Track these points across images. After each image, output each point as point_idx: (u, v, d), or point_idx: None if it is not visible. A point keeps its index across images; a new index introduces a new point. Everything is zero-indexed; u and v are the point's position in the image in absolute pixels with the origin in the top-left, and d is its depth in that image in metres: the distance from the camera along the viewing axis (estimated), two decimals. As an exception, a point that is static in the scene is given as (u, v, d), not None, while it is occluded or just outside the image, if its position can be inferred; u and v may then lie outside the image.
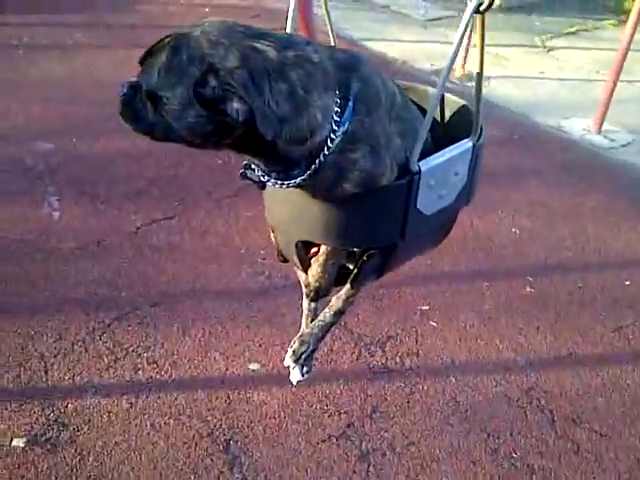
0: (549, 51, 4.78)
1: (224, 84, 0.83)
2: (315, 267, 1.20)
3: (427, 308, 2.23)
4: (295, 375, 1.30)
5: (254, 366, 1.95)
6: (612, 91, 3.41)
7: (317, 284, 1.22)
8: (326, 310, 1.30)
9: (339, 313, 1.30)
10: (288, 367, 1.30)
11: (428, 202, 1.12)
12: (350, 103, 0.94)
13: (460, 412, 1.86)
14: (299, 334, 1.33)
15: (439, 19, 5.16)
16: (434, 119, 1.11)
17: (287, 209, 1.14)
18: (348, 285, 1.25)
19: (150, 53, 0.89)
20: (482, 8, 1.00)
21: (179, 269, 2.30)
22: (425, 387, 1.93)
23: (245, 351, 1.99)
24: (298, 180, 0.98)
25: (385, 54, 4.35)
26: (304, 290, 1.35)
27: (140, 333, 2.02)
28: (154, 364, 1.92)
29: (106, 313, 2.08)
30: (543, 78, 4.20)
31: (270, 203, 1.20)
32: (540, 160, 3.23)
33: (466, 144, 1.16)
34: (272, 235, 1.30)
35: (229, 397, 1.84)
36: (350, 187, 1.01)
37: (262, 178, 1.01)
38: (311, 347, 1.31)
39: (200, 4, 4.87)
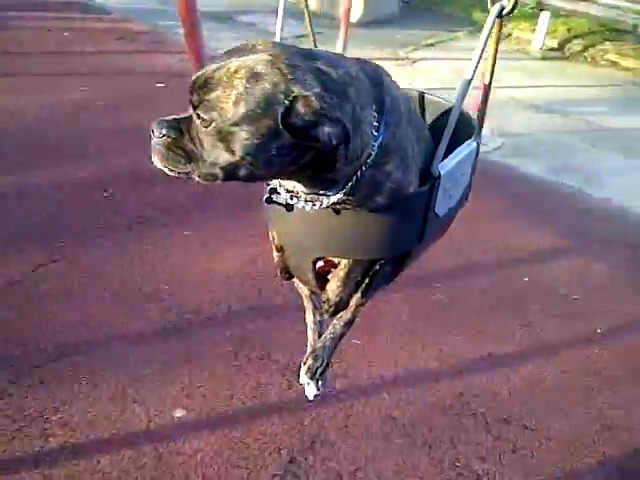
0: (413, 63, 4.98)
1: (316, 110, 0.78)
2: (335, 282, 1.17)
3: (355, 341, 2.19)
4: (311, 390, 1.30)
5: (179, 413, 1.80)
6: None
7: (338, 299, 1.19)
8: (335, 322, 1.29)
9: (349, 323, 1.29)
10: (304, 384, 1.30)
11: (442, 204, 1.12)
12: (384, 116, 0.92)
13: (399, 428, 1.83)
14: (310, 350, 1.33)
15: (304, 36, 5.19)
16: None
17: (303, 227, 1.09)
18: (358, 294, 1.22)
19: (205, 85, 0.80)
20: (505, 12, 1.02)
21: (76, 316, 2.08)
22: (360, 408, 1.89)
23: (166, 397, 1.84)
24: (333, 199, 0.95)
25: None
26: (314, 306, 1.39)
27: (44, 394, 1.80)
28: (66, 427, 1.71)
29: (0, 375, 1.84)
30: (411, 89, 4.34)
31: (280, 221, 1.13)
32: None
33: (472, 144, 1.19)
34: (276, 254, 1.26)
35: (158, 451, 1.68)
36: (382, 200, 0.99)
37: (290, 201, 0.99)
38: (325, 361, 1.31)
39: (61, 28, 4.56)
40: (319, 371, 1.30)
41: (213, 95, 0.80)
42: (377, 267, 1.17)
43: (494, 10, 1.01)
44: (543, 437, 1.87)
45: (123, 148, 2.98)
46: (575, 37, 5.62)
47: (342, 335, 1.31)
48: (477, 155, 1.22)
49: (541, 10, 5.32)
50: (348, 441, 1.77)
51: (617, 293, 2.55)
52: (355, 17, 5.13)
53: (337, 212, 1.02)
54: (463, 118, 1.19)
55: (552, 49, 5.59)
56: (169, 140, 0.85)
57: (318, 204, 0.98)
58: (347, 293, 1.19)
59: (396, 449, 1.77)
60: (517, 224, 2.92)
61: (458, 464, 1.75)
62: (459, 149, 1.15)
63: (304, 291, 1.41)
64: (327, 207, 0.99)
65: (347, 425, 1.82)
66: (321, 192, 0.97)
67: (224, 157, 0.82)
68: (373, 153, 0.92)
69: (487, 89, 1.16)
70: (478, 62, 1.00)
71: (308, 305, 1.47)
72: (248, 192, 2.87)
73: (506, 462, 1.78)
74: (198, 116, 0.82)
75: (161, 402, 1.82)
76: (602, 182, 3.45)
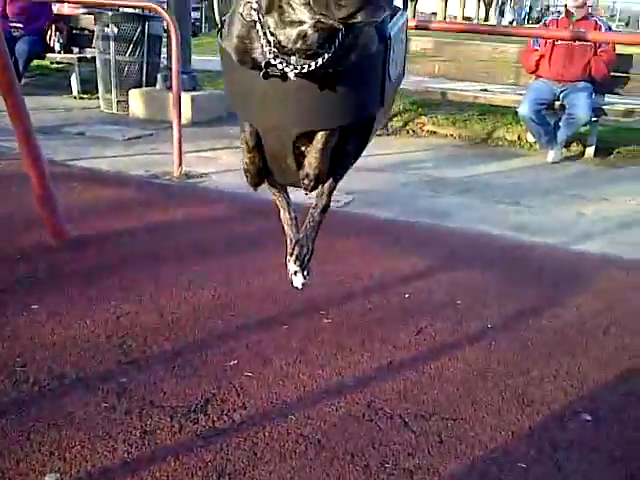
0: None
1: None
2: (313, 156, 1.24)
3: (234, 363, 1.98)
4: (299, 279, 1.42)
5: (51, 477, 1.46)
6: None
7: (317, 171, 1.25)
8: (312, 210, 1.39)
9: (325, 208, 1.38)
10: (292, 274, 1.42)
11: (392, 68, 1.25)
12: None
13: (314, 444, 1.63)
14: (294, 241, 1.45)
15: (138, 137, 5.16)
16: None
17: (285, 103, 1.17)
18: (330, 179, 1.32)
19: None
20: None
21: None
22: (266, 434, 1.66)
23: (33, 465, 1.49)
24: (326, 56, 1.06)
25: (93, 168, 4.13)
26: (288, 202, 1.54)
27: None
28: None
29: None
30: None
31: (262, 104, 1.20)
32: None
33: (404, 14, 1.36)
34: (248, 156, 1.31)
35: (27, 525, 1.33)
36: (355, 56, 1.11)
37: (285, 69, 1.08)
38: (310, 247, 1.42)
39: None
40: (306, 258, 1.42)
41: None
42: (346, 141, 1.26)
43: None
44: (467, 424, 1.75)
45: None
46: (394, 116, 6.10)
47: (320, 222, 1.41)
48: (406, 28, 1.39)
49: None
50: (260, 467, 1.53)
51: (491, 292, 2.60)
52: (184, 120, 5.18)
53: (315, 79, 1.11)
54: None
55: (377, 128, 6.00)
56: None
57: (306, 67, 1.08)
58: (324, 165, 1.26)
59: (317, 465, 1.55)
60: (383, 256, 2.93)
61: (387, 465, 1.57)
62: (395, 18, 1.29)
63: (277, 190, 1.54)
64: (316, 68, 1.08)
65: (256, 452, 1.58)
66: (314, 51, 1.06)
67: None
68: None
69: None
70: None
71: (282, 203, 1.59)
72: (91, 265, 2.65)
73: (435, 453, 1.63)
74: None
75: (27, 471, 1.47)
76: (453, 216, 3.62)
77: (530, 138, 5.39)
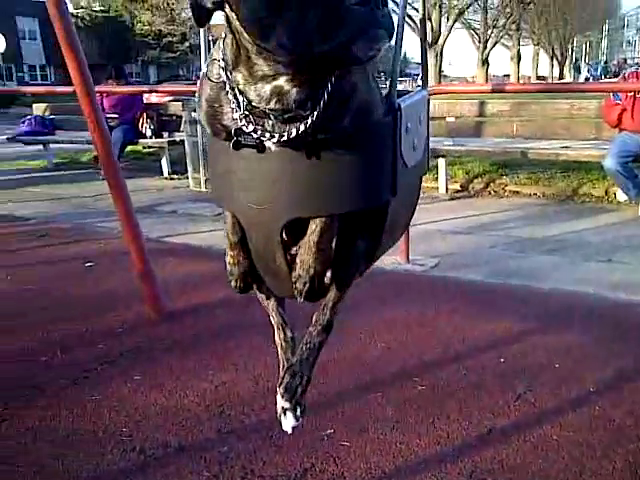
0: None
1: None
2: (306, 251, 1.00)
3: (330, 432, 1.98)
4: (289, 421, 1.10)
5: None
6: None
7: (312, 272, 1.00)
8: (311, 329, 1.11)
9: (328, 327, 1.11)
10: (281, 412, 1.10)
11: (407, 149, 1.05)
12: None
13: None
14: (285, 367, 1.14)
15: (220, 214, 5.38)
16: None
17: (269, 182, 0.95)
18: (333, 289, 1.07)
19: None
20: None
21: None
22: (368, 504, 1.64)
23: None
24: (309, 121, 0.87)
25: (185, 244, 4.33)
26: (283, 320, 1.22)
27: None
28: None
29: None
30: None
31: (242, 185, 0.98)
32: (374, 291, 3.30)
33: (422, 91, 1.19)
34: (232, 254, 1.08)
35: None
36: (348, 122, 0.91)
37: (262, 138, 0.89)
38: (305, 377, 1.13)
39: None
40: (299, 390, 1.12)
41: None
42: (352, 238, 1.05)
43: None
44: None
45: (53, 319, 2.83)
46: (475, 177, 6.09)
47: (321, 344, 1.14)
48: (428, 107, 1.22)
49: (436, 157, 5.76)
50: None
51: (590, 354, 2.49)
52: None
53: (303, 151, 0.92)
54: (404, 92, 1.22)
55: (457, 191, 6.01)
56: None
57: (286, 134, 0.89)
58: (322, 266, 1.01)
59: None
60: (475, 319, 2.88)
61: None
62: (408, 94, 1.12)
63: (269, 302, 1.24)
64: (297, 136, 0.89)
65: (359, 523, 1.56)
66: (295, 112, 0.88)
67: None
68: None
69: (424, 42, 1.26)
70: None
71: (276, 318, 1.29)
72: (188, 337, 2.73)
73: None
74: None
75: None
76: (544, 276, 3.54)
77: (619, 194, 5.23)
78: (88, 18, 40.90)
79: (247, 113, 0.90)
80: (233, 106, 0.90)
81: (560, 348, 2.56)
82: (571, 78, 36.94)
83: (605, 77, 33.34)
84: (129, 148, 7.82)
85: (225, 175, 1.00)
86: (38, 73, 40.90)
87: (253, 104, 0.89)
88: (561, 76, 53.20)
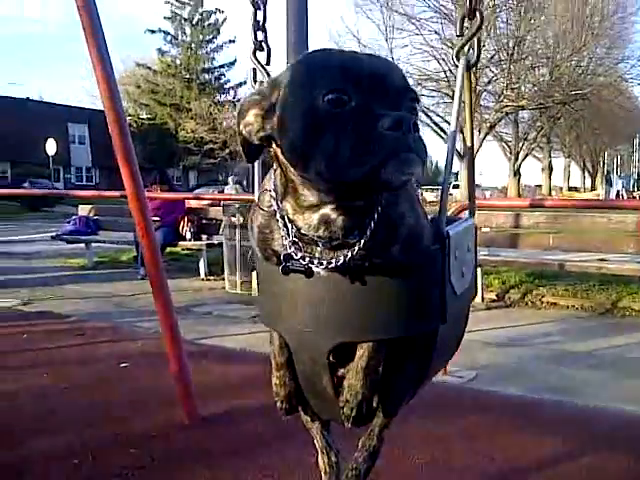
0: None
1: None
2: (354, 376, 1.00)
3: None
4: None
5: None
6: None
7: (359, 397, 1.00)
8: (357, 455, 1.12)
9: (374, 454, 1.12)
10: None
11: (456, 276, 1.07)
12: None
13: None
14: None
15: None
16: None
17: (316, 306, 0.98)
18: (380, 414, 1.08)
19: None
20: (472, 63, 1.14)
21: None
22: None
23: None
24: (356, 249, 0.90)
25: (220, 347, 4.33)
26: (328, 444, 1.20)
27: None
28: None
29: None
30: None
31: (289, 308, 1.02)
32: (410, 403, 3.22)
33: (469, 220, 1.23)
34: (278, 375, 1.11)
35: None
36: (398, 251, 0.94)
37: (310, 264, 0.93)
38: None
39: (20, 332, 4.53)
40: None
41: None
42: (400, 363, 1.05)
43: (462, 63, 1.14)
44: None
45: (86, 420, 2.82)
46: (511, 287, 6.05)
47: (367, 471, 1.13)
48: (476, 234, 1.27)
49: (474, 266, 5.77)
50: None
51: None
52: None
53: (351, 276, 0.94)
54: (451, 218, 1.26)
55: (493, 300, 5.96)
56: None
57: (334, 262, 0.92)
58: (369, 389, 1.01)
59: None
60: (514, 436, 2.77)
61: None
62: (455, 223, 1.16)
63: (314, 425, 1.24)
64: (344, 263, 0.92)
65: None
66: (342, 240, 0.91)
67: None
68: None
69: (471, 160, 1.35)
70: (458, 112, 1.13)
71: (320, 442, 1.28)
72: (220, 445, 2.66)
73: None
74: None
75: None
76: (584, 393, 3.42)
77: (660, 308, 5.13)
78: (135, 125, 43.29)
79: (296, 240, 0.94)
80: (283, 233, 0.95)
81: (606, 471, 2.44)
82: (603, 190, 37.20)
83: (638, 189, 33.51)
84: (168, 249, 8.03)
85: (274, 297, 1.04)
86: (84, 175, 42.89)
87: (302, 232, 0.93)
88: (593, 187, 53.68)
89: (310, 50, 0.95)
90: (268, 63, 1.40)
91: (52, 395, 3.23)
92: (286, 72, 0.91)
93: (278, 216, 0.96)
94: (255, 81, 1.44)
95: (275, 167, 0.97)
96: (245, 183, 12.45)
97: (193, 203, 8.83)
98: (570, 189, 55.62)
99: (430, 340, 1.06)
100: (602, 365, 4.01)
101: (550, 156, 49.70)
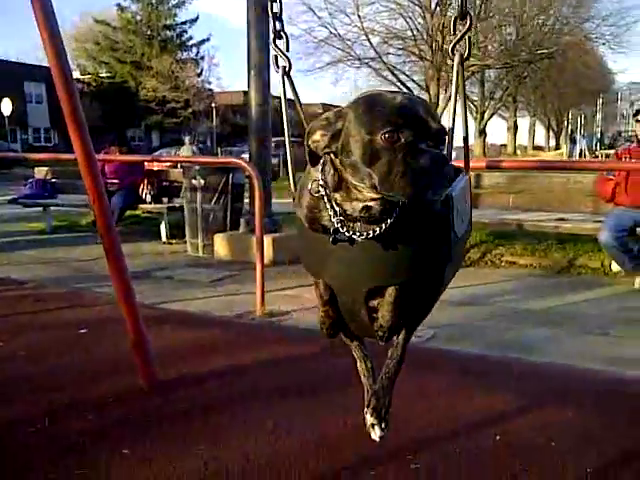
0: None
1: None
2: (385, 309, 1.34)
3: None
4: (377, 432, 1.47)
5: None
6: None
7: (390, 323, 1.34)
8: (388, 361, 1.47)
9: (401, 361, 1.48)
10: (369, 427, 1.47)
11: (458, 225, 1.37)
12: None
13: None
14: (371, 393, 1.50)
15: (223, 279, 5.40)
16: None
17: (355, 263, 1.29)
18: (403, 331, 1.42)
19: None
20: (465, 55, 1.45)
21: None
22: None
23: None
24: (386, 224, 1.23)
25: (180, 311, 4.32)
26: (364, 354, 1.65)
27: None
28: None
29: None
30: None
31: (335, 264, 1.32)
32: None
33: (465, 176, 1.53)
34: (323, 310, 1.43)
35: None
36: (415, 223, 1.26)
37: (353, 236, 1.25)
38: (388, 399, 1.48)
39: None
40: (383, 410, 1.46)
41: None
42: (418, 294, 1.35)
43: (457, 58, 1.44)
44: None
45: (43, 388, 2.79)
46: (471, 247, 6.13)
47: (396, 373, 1.49)
48: (471, 187, 1.58)
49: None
50: None
51: (587, 432, 2.44)
52: (266, 260, 5.41)
53: (380, 241, 1.25)
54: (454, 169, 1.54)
55: (454, 260, 6.03)
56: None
57: (371, 233, 1.24)
58: (397, 317, 1.35)
59: None
60: (470, 394, 2.84)
61: None
62: (457, 180, 1.45)
63: (353, 343, 1.64)
64: (380, 233, 1.23)
65: None
66: (378, 218, 1.23)
67: None
68: None
69: (466, 128, 1.66)
70: (455, 99, 1.46)
71: (358, 354, 1.68)
72: (179, 409, 2.67)
73: None
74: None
75: None
76: (540, 350, 3.52)
77: (614, 266, 5.26)
78: (94, 84, 42.06)
79: (342, 219, 1.26)
80: (331, 213, 1.28)
81: (557, 425, 2.52)
82: (567, 149, 37.72)
83: (600, 149, 34.05)
84: (128, 212, 7.90)
85: (321, 255, 1.35)
86: (42, 136, 41.70)
87: (347, 213, 1.26)
88: (557, 146, 54.39)
89: (368, 92, 1.29)
90: (287, 49, 1.65)
91: (9, 362, 3.19)
92: (350, 108, 1.23)
93: (326, 200, 1.27)
94: (277, 66, 1.65)
95: (326, 164, 1.29)
96: (209, 144, 12.33)
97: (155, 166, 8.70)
98: (535, 148, 56.26)
99: (440, 275, 1.40)
100: (558, 322, 4.12)
101: (515, 115, 50.03)
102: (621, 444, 2.37)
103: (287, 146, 1.67)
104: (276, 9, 1.65)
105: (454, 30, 1.48)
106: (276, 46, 1.65)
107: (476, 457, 2.27)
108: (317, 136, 1.27)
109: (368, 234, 1.25)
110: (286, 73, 1.61)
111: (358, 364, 1.68)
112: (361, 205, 1.24)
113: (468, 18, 1.47)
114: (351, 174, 1.21)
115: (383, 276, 1.32)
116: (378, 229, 1.24)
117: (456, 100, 1.47)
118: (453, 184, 1.41)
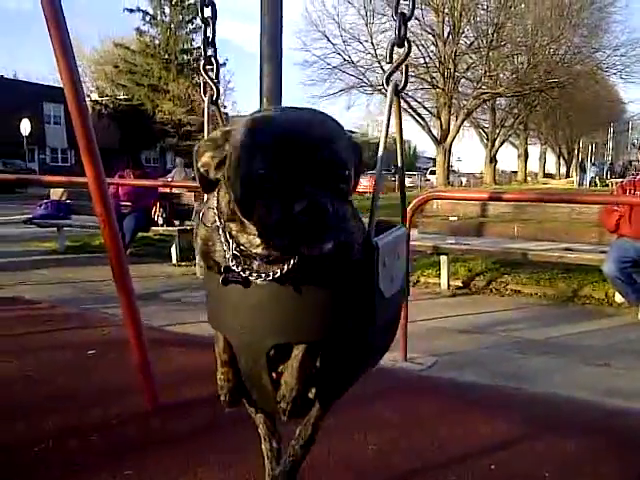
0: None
1: None
2: (289, 373, 1.12)
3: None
4: None
5: None
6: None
7: (294, 393, 1.11)
8: (293, 443, 1.23)
9: (309, 442, 1.22)
10: None
11: (386, 282, 1.15)
12: None
13: None
14: (270, 478, 1.25)
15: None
16: None
17: (255, 311, 1.09)
18: (316, 406, 1.19)
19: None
20: (400, 87, 1.25)
21: None
22: None
23: None
24: (291, 264, 1.02)
25: (186, 334, 4.37)
26: (270, 431, 1.33)
27: None
28: None
29: None
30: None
31: (231, 312, 1.12)
32: (368, 388, 3.31)
33: (401, 228, 1.31)
34: (223, 371, 1.21)
35: None
36: (328, 264, 1.02)
37: (249, 277, 1.04)
38: None
39: None
40: None
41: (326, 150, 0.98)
42: (333, 362, 1.13)
43: (390, 88, 1.24)
44: None
45: (49, 408, 2.86)
46: (477, 275, 6.18)
47: (303, 457, 1.24)
48: (408, 241, 1.36)
49: (439, 254, 5.88)
50: None
51: (582, 464, 2.47)
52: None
53: (285, 286, 1.04)
54: (385, 223, 1.33)
55: (459, 287, 6.08)
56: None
57: (271, 274, 1.03)
58: (303, 386, 1.12)
59: None
60: (466, 422, 2.87)
61: None
62: (388, 232, 1.24)
63: (257, 415, 1.36)
64: (279, 276, 1.02)
65: None
66: (278, 256, 1.01)
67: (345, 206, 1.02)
68: None
69: (402, 176, 1.40)
70: (387, 133, 1.23)
71: (263, 431, 1.40)
72: (180, 432, 2.70)
73: None
74: None
75: None
76: (540, 380, 3.55)
77: (618, 296, 5.28)
78: (111, 106, 42.72)
79: (236, 254, 1.05)
80: (225, 247, 1.06)
81: (551, 456, 2.55)
82: (577, 177, 37.72)
83: (611, 177, 34.00)
84: (140, 234, 8.02)
85: (217, 301, 1.15)
86: (59, 156, 42.30)
87: (242, 247, 1.04)
88: (568, 174, 54.29)
89: (257, 113, 1.03)
90: (217, 77, 1.50)
91: (16, 382, 3.26)
92: (236, 130, 1.02)
93: (220, 232, 1.07)
94: (205, 93, 1.52)
95: (222, 192, 1.08)
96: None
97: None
98: (546, 175, 56.24)
99: (362, 340, 1.15)
100: (558, 352, 4.14)
101: (526, 143, 50.14)
102: (614, 476, 2.40)
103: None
104: (209, 33, 1.50)
105: (390, 58, 1.28)
106: (205, 72, 1.50)
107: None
108: (206, 158, 1.07)
109: (267, 275, 1.03)
110: (212, 101, 1.47)
111: (262, 443, 1.41)
112: (259, 239, 1.01)
113: (406, 44, 1.26)
114: (238, 210, 1.01)
115: (286, 331, 1.08)
116: (279, 270, 1.03)
117: (387, 133, 1.25)
118: (385, 233, 1.21)
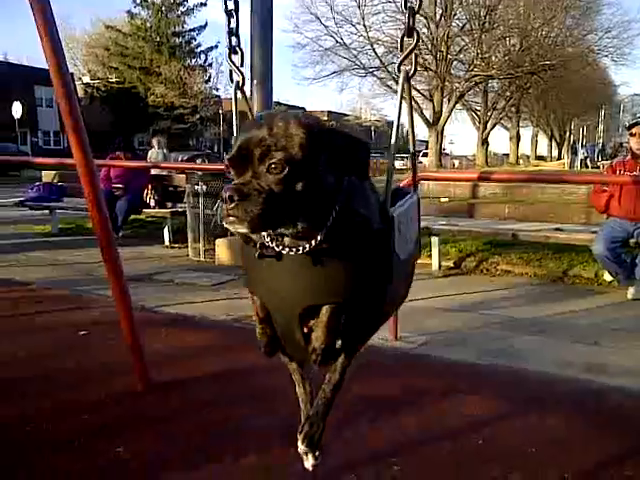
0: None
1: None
2: (319, 330, 1.25)
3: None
4: (310, 461, 1.38)
5: None
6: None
7: (324, 345, 1.25)
8: (324, 386, 1.38)
9: (338, 386, 1.38)
10: (303, 455, 1.38)
11: (401, 246, 1.31)
12: None
13: None
14: (305, 418, 1.40)
15: (223, 283, 5.48)
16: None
17: (287, 279, 1.23)
18: (342, 355, 1.34)
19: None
20: (411, 74, 1.40)
21: None
22: None
23: None
24: (318, 239, 1.15)
25: (179, 314, 4.38)
26: (303, 377, 1.51)
27: None
28: None
29: None
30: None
31: (266, 280, 1.26)
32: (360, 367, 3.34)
33: (413, 196, 1.48)
34: (260, 327, 1.35)
35: None
36: (350, 238, 1.18)
37: (282, 251, 1.18)
38: (321, 426, 1.38)
39: None
40: (316, 437, 1.37)
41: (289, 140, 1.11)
42: (357, 316, 1.28)
43: (402, 75, 1.40)
44: None
45: (42, 388, 2.88)
46: (467, 256, 6.21)
47: (333, 399, 1.39)
48: (419, 206, 1.53)
49: (430, 235, 5.89)
50: None
51: (568, 439, 2.51)
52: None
53: (313, 256, 1.18)
54: (400, 190, 1.53)
55: (450, 268, 6.12)
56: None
57: (301, 248, 1.17)
58: (332, 339, 1.26)
59: None
60: (456, 400, 2.91)
61: None
62: (402, 200, 1.40)
63: (291, 363, 1.52)
64: (310, 249, 1.16)
65: None
66: (306, 234, 1.15)
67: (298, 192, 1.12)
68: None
69: (414, 146, 1.66)
70: (399, 115, 1.38)
71: (297, 377, 1.57)
72: (172, 410, 2.71)
73: None
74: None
75: None
76: (530, 358, 3.59)
77: (607, 275, 5.33)
78: (104, 88, 42.34)
79: (270, 232, 1.18)
80: None
81: (539, 432, 2.59)
82: (568, 159, 37.75)
83: (601, 159, 34.07)
84: (132, 217, 8.00)
85: (254, 269, 1.28)
86: (52, 139, 41.95)
87: None
88: (559, 156, 54.38)
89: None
90: (242, 65, 1.60)
91: (8, 363, 3.27)
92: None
93: None
94: (232, 80, 1.61)
95: None
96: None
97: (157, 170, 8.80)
98: (537, 158, 56.28)
99: (381, 297, 1.31)
100: (549, 331, 4.17)
101: (518, 125, 50.09)
102: (601, 452, 2.44)
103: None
104: (233, 24, 1.58)
105: (401, 48, 1.42)
106: (231, 61, 1.59)
107: (458, 460, 2.34)
108: None
109: (297, 249, 1.17)
110: (239, 88, 1.56)
111: (297, 388, 1.57)
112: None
113: (415, 35, 1.42)
114: None
115: (315, 295, 1.23)
116: (307, 245, 1.16)
117: (399, 116, 1.38)
118: (398, 203, 1.37)
